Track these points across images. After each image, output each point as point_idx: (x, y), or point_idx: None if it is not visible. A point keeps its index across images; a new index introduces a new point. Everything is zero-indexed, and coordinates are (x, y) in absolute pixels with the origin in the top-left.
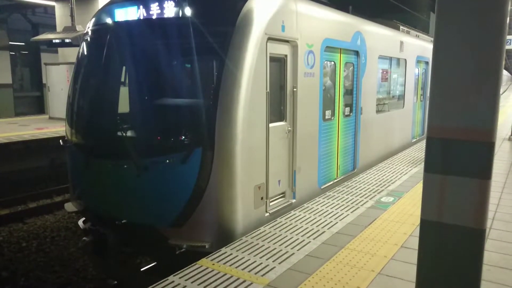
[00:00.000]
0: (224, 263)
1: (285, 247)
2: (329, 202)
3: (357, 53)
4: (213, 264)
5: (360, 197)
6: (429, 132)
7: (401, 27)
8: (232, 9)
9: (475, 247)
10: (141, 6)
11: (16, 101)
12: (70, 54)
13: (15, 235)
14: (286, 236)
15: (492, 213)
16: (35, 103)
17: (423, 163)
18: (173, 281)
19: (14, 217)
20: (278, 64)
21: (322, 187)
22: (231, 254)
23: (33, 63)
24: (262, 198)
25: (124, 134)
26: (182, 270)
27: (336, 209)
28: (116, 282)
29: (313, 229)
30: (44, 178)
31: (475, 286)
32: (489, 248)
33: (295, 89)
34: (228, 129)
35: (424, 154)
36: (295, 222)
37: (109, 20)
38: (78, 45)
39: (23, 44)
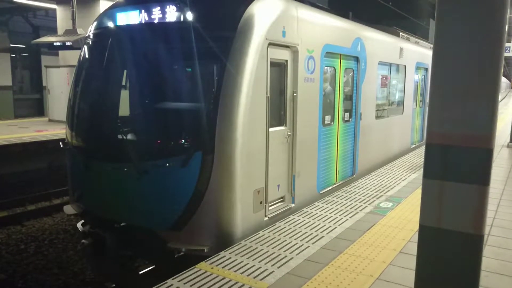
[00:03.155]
0: (222, 267)
1: (284, 251)
2: (328, 207)
3: (357, 59)
4: (212, 268)
5: (359, 203)
6: (428, 138)
7: (400, 33)
8: (234, 14)
9: (473, 252)
10: (143, 11)
11: (16, 103)
12: (71, 57)
13: (13, 237)
14: (285, 240)
15: (490, 219)
16: (35, 106)
17: (422, 169)
18: (171, 285)
19: (13, 220)
20: (278, 69)
21: (321, 192)
22: (230, 258)
23: (34, 66)
24: (261, 203)
25: (124, 137)
26: (180, 273)
27: (335, 214)
28: (114, 285)
29: (312, 233)
30: (43, 180)
31: None
32: (487, 255)
33: (295, 94)
34: (228, 133)
35: (423, 160)
36: (294, 226)
37: (111, 24)
38: (79, 48)
39: (24, 46)
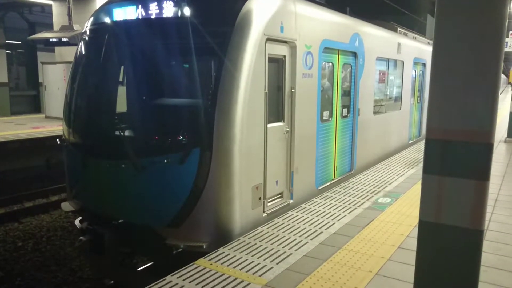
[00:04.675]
0: (221, 263)
1: (283, 247)
2: (326, 202)
3: (355, 54)
4: (211, 264)
5: (358, 198)
6: (428, 133)
7: (398, 29)
8: (231, 10)
9: (473, 248)
10: (139, 6)
11: (12, 100)
12: (67, 53)
13: (11, 234)
14: (284, 236)
15: (488, 214)
16: (31, 102)
17: (419, 165)
18: (170, 281)
19: (10, 217)
20: (276, 64)
21: (319, 188)
22: (229, 254)
23: (30, 62)
24: (259, 199)
25: (122, 133)
26: (179, 270)
27: (333, 210)
28: (112, 282)
29: (310, 229)
30: (40, 177)
31: (473, 286)
32: (485, 249)
33: (293, 90)
34: (227, 129)
35: (421, 155)
36: (292, 222)
37: (107, 20)
38: (75, 44)
39: (20, 42)
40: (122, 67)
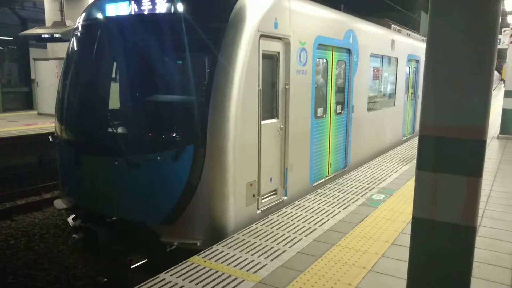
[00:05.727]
0: (215, 261)
1: (277, 244)
2: (320, 199)
3: (349, 51)
4: (205, 262)
5: (352, 195)
6: (421, 130)
7: (392, 25)
8: (225, 6)
9: (466, 244)
10: (132, 1)
11: (4, 97)
12: (60, 49)
13: (3, 232)
14: (278, 233)
15: (481, 210)
16: (23, 99)
17: (413, 161)
18: (164, 279)
19: (2, 214)
20: (270, 61)
21: (313, 185)
22: (223, 251)
23: (22, 58)
24: (254, 195)
25: (115, 130)
26: (173, 267)
27: (327, 207)
28: (106, 279)
29: (304, 226)
30: (33, 174)
31: (465, 282)
32: (478, 245)
33: (287, 87)
34: (220, 126)
35: (414, 152)
36: (286, 219)
37: (100, 15)
38: (68, 40)
39: (11, 38)
40: (115, 63)
